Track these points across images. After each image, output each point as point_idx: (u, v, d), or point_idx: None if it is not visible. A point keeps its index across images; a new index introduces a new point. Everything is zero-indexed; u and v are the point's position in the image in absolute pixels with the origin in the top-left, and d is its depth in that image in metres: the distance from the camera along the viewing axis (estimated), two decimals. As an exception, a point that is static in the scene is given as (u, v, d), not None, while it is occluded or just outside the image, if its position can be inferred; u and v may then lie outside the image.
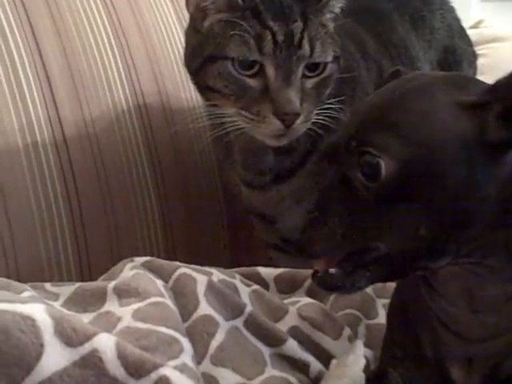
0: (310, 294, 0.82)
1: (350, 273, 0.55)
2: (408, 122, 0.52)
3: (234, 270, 0.83)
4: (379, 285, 0.74)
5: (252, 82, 0.78)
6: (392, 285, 0.69)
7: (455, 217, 0.52)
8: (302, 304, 0.77)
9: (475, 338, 0.59)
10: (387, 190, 0.52)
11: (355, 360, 0.61)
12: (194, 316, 0.67)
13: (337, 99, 0.83)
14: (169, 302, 0.66)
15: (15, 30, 0.89)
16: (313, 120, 0.82)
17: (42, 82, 0.90)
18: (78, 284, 0.69)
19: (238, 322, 0.69)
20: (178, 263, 0.74)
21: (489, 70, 1.28)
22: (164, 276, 0.72)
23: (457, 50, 1.19)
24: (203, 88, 0.83)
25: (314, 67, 0.81)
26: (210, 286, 0.70)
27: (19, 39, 0.89)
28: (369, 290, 0.82)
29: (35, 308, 0.50)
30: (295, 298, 0.80)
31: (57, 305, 0.66)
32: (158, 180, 1.04)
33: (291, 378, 0.66)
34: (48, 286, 0.71)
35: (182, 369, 0.56)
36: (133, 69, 1.04)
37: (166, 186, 1.05)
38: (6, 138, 0.84)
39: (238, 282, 0.77)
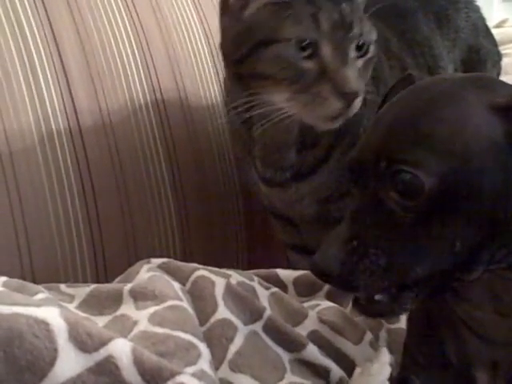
0: (329, 297, 0.81)
1: (396, 296, 0.52)
2: (442, 132, 0.50)
3: (253, 271, 0.81)
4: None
5: (308, 64, 0.77)
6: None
7: (491, 226, 0.50)
8: (321, 308, 0.76)
9: (501, 341, 0.58)
10: (426, 207, 0.49)
11: (380, 369, 0.59)
12: (212, 320, 0.66)
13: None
14: (186, 305, 0.64)
15: (33, 24, 0.88)
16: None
17: (60, 77, 0.89)
18: (93, 285, 0.68)
19: (257, 327, 0.67)
20: (195, 265, 0.73)
21: (513, 70, 1.26)
22: (181, 278, 0.70)
23: (481, 50, 1.17)
24: (248, 76, 0.81)
25: (360, 48, 0.80)
26: (229, 289, 0.69)
27: (37, 35, 0.88)
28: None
29: (49, 312, 0.49)
30: (315, 302, 0.78)
31: (72, 307, 0.65)
32: (176, 178, 1.03)
33: (311, 385, 0.65)
34: (63, 287, 0.70)
35: (200, 376, 0.55)
36: (151, 65, 1.03)
37: (183, 185, 1.03)
38: (23, 134, 0.83)
39: (256, 284, 0.76)
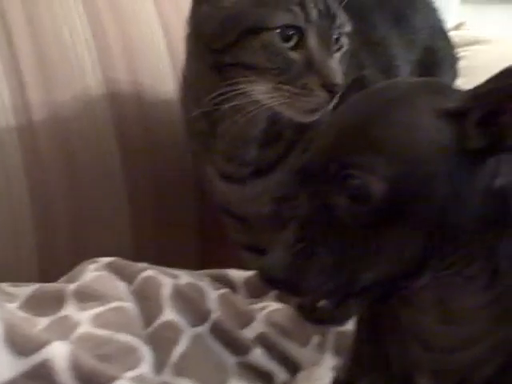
0: (279, 298, 0.80)
1: (339, 304, 0.52)
2: (392, 137, 0.50)
3: (203, 272, 0.81)
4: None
5: (293, 55, 0.76)
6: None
7: (442, 232, 0.50)
8: (270, 309, 0.75)
9: (445, 350, 0.58)
10: (376, 212, 0.49)
11: (323, 374, 0.59)
12: (158, 322, 0.65)
13: None
14: (131, 306, 0.64)
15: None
16: None
17: (10, 69, 0.87)
18: (36, 285, 0.67)
19: (204, 329, 0.67)
20: (144, 265, 0.72)
21: (470, 73, 1.27)
22: (128, 278, 0.69)
23: (438, 52, 1.18)
24: (231, 66, 0.79)
25: (337, 40, 0.80)
26: (176, 290, 0.68)
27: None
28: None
29: (-15, 313, 0.48)
30: (264, 303, 0.78)
31: (13, 307, 0.63)
32: (129, 174, 1.01)
33: (255, 389, 0.65)
34: (5, 286, 0.68)
35: (140, 380, 0.54)
36: (107, 56, 1.01)
37: (136, 181, 1.02)
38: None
39: (206, 285, 0.75)
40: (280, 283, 0.50)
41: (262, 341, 0.70)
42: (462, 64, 1.26)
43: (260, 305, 0.77)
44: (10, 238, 0.84)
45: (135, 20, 1.07)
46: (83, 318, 0.60)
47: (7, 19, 0.88)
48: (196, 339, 0.66)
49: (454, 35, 1.30)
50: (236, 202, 0.95)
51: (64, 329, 0.59)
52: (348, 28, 0.82)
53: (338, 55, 0.80)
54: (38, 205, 0.87)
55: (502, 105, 0.48)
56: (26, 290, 0.66)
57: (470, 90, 0.52)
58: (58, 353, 0.48)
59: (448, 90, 0.55)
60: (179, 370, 0.62)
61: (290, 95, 0.76)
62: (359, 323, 0.67)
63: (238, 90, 0.78)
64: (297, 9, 0.75)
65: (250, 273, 0.84)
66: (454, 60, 1.24)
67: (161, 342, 0.63)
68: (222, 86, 0.78)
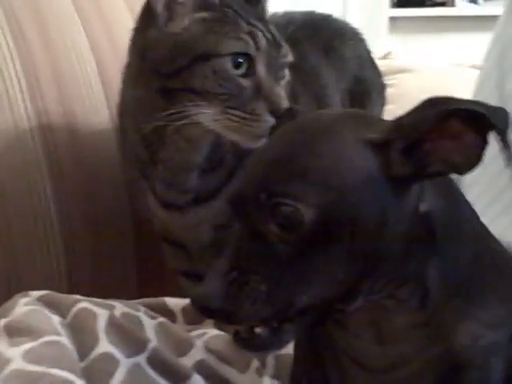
0: (218, 325, 0.80)
1: (276, 329, 0.52)
2: (319, 165, 0.51)
3: (139, 301, 0.79)
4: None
5: (243, 82, 0.78)
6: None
7: (371, 256, 0.52)
8: (209, 336, 0.75)
9: (380, 369, 0.59)
10: (306, 239, 0.50)
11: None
12: (93, 354, 0.64)
13: None
14: (65, 340, 0.62)
15: None
16: None
17: None
18: (-35, 321, 0.64)
19: (141, 359, 0.66)
20: (78, 297, 0.70)
21: (397, 100, 1.32)
22: (62, 311, 0.67)
23: (367, 81, 1.22)
24: (179, 90, 0.80)
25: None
26: (112, 322, 0.67)
27: None
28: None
29: None
30: (203, 330, 0.77)
31: None
32: (62, 206, 0.99)
33: (195, 418, 0.64)
34: None
35: (75, 414, 0.53)
36: (37, 87, 0.99)
37: (70, 213, 1.00)
38: None
39: (142, 314, 0.74)
40: (215, 312, 0.50)
41: (202, 368, 0.69)
42: (389, 91, 1.31)
43: (198, 332, 0.76)
44: None
45: (65, 49, 1.06)
46: (15, 354, 0.58)
47: None
48: (133, 370, 0.64)
49: (382, 64, 1.35)
50: (176, 230, 0.95)
51: (-5, 366, 0.57)
52: (291, 58, 0.84)
53: (283, 83, 0.82)
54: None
55: (423, 134, 0.51)
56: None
57: (393, 121, 0.54)
58: (-12, 391, 0.46)
59: (372, 120, 0.57)
60: (116, 403, 0.61)
61: (238, 120, 0.78)
62: (297, 346, 0.67)
63: (184, 113, 0.78)
64: (247, 37, 0.78)
65: (187, 300, 0.83)
66: (382, 88, 1.29)
67: (96, 374, 0.62)
68: (168, 109, 0.79)
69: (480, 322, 0.58)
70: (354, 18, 1.66)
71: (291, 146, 0.53)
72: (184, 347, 0.72)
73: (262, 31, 0.79)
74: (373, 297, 0.54)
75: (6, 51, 0.96)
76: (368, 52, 1.27)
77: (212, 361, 0.71)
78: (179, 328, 0.76)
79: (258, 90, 0.78)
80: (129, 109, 0.90)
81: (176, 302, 0.82)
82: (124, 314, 0.71)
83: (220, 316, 0.51)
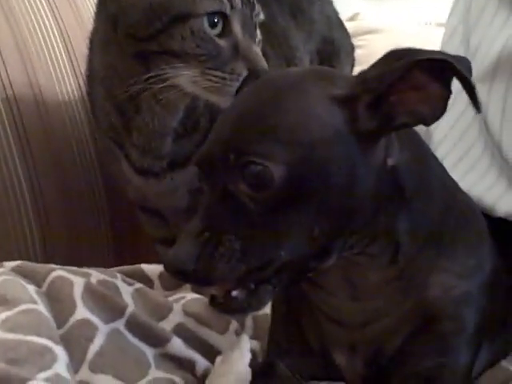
0: (195, 289, 0.80)
1: (253, 291, 0.52)
2: (287, 123, 0.51)
3: (116, 268, 0.79)
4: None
5: (220, 42, 0.77)
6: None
7: (342, 212, 0.52)
8: (186, 300, 0.75)
9: (356, 324, 0.61)
10: (277, 197, 0.50)
11: (240, 355, 0.60)
12: (71, 321, 0.63)
13: None
14: (41, 308, 0.61)
15: None
16: None
17: None
18: None
19: (119, 324, 0.66)
20: (52, 266, 0.70)
21: (366, 61, 1.31)
22: (37, 280, 0.67)
23: (335, 41, 1.22)
24: (157, 53, 0.78)
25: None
26: (88, 288, 0.67)
27: None
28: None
29: None
30: (180, 294, 0.78)
31: None
32: (32, 178, 0.97)
33: (176, 378, 0.64)
34: None
35: (55, 380, 0.53)
36: (0, 60, 0.97)
37: (41, 184, 0.98)
38: None
39: (119, 281, 0.74)
40: (190, 275, 0.50)
41: (181, 331, 0.70)
42: (358, 52, 1.31)
43: (176, 296, 0.77)
44: None
45: (28, 18, 1.04)
46: (-9, 324, 0.58)
47: None
48: (112, 335, 0.64)
49: (350, 25, 1.35)
50: (152, 197, 0.94)
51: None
52: (262, 17, 0.83)
53: (257, 41, 0.81)
54: None
55: (389, 87, 0.51)
56: None
57: (357, 76, 0.54)
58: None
59: (337, 76, 0.57)
60: (96, 367, 0.61)
61: (218, 80, 0.77)
62: (274, 306, 0.68)
63: (162, 76, 0.77)
64: None
65: (164, 266, 0.83)
66: (350, 48, 1.29)
67: (75, 340, 0.62)
68: (145, 74, 0.78)
69: (451, 273, 0.59)
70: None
71: (258, 104, 0.53)
72: (162, 311, 0.72)
73: None
74: (345, 253, 0.55)
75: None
76: (336, 13, 1.27)
77: (191, 324, 0.71)
78: (157, 293, 0.76)
79: (236, 50, 0.78)
80: (99, 76, 0.88)
81: (153, 268, 0.82)
82: (100, 281, 0.70)
83: (194, 278, 0.51)
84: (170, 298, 0.76)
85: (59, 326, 0.63)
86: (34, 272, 0.67)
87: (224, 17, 0.77)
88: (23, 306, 0.60)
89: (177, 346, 0.66)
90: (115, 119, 0.87)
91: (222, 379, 0.58)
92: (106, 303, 0.66)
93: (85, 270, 0.72)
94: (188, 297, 0.76)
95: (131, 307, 0.68)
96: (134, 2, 0.79)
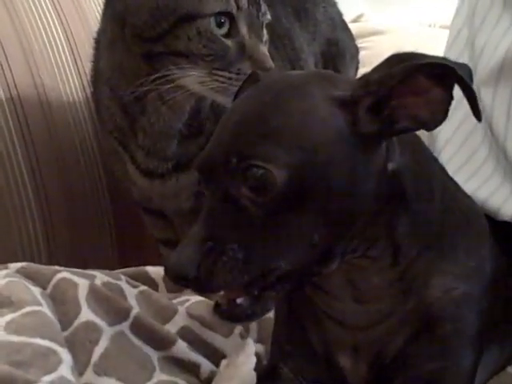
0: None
1: (257, 297, 0.52)
2: (289, 125, 0.51)
3: (120, 270, 0.79)
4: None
5: (227, 42, 0.77)
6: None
7: (343, 217, 0.52)
8: (191, 303, 0.75)
9: (359, 326, 0.60)
10: (279, 201, 0.50)
11: (245, 359, 0.60)
12: (75, 323, 0.63)
13: None
14: (46, 310, 0.61)
15: None
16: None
17: None
18: None
19: (124, 327, 0.66)
20: (57, 267, 0.70)
21: (370, 62, 1.31)
22: (42, 282, 0.67)
23: (339, 43, 1.22)
24: (164, 54, 0.78)
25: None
26: (93, 291, 0.67)
27: None
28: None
29: None
30: (185, 297, 0.77)
31: None
32: (37, 179, 0.97)
33: (181, 382, 0.64)
34: None
35: (60, 382, 0.53)
36: (4, 59, 0.97)
37: (45, 184, 0.98)
38: None
39: (123, 283, 0.74)
40: (191, 282, 0.50)
41: (186, 334, 0.70)
42: (362, 54, 1.31)
43: (181, 299, 0.76)
44: None
45: (31, 16, 1.04)
46: (-4, 326, 0.58)
47: None
48: (117, 338, 0.64)
49: (354, 27, 1.35)
50: (157, 198, 0.94)
51: (-24, 338, 0.56)
52: (269, 17, 0.84)
53: (264, 42, 0.82)
54: None
55: (390, 91, 0.51)
56: None
57: (359, 79, 0.54)
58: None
59: (338, 78, 0.57)
60: (100, 370, 0.61)
61: (224, 81, 0.77)
62: (277, 309, 0.68)
63: (169, 77, 0.77)
64: None
65: (168, 268, 0.83)
66: (355, 51, 1.28)
67: (80, 343, 0.62)
68: (151, 75, 0.78)
69: (451, 275, 0.59)
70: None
71: (260, 107, 0.52)
72: (167, 314, 0.72)
73: None
74: (347, 257, 0.55)
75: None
76: (340, 15, 1.27)
77: (195, 326, 0.71)
78: (161, 295, 0.76)
79: (242, 50, 0.78)
80: (105, 76, 0.88)
81: (157, 271, 0.82)
82: (105, 284, 0.70)
83: (195, 285, 0.50)
84: (175, 301, 0.76)
85: (64, 328, 0.63)
86: (39, 274, 0.68)
87: (230, 17, 0.77)
88: (28, 308, 0.60)
89: (181, 348, 0.67)
90: (120, 120, 0.87)
91: (227, 383, 0.58)
92: (110, 305, 0.66)
93: (89, 271, 0.72)
94: (192, 299, 0.76)
95: (136, 310, 0.68)
96: (141, 3, 0.79)
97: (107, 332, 0.64)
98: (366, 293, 0.58)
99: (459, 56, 0.86)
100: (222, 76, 0.77)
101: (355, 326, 0.60)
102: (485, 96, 0.77)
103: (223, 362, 0.62)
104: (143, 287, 0.75)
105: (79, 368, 0.60)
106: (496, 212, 0.73)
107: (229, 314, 0.53)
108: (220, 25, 0.77)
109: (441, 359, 0.59)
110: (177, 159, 0.88)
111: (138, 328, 0.66)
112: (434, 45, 1.01)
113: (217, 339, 0.71)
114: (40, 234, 0.96)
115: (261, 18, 0.80)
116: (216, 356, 0.69)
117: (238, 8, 0.77)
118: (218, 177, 0.52)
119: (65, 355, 0.57)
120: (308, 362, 0.65)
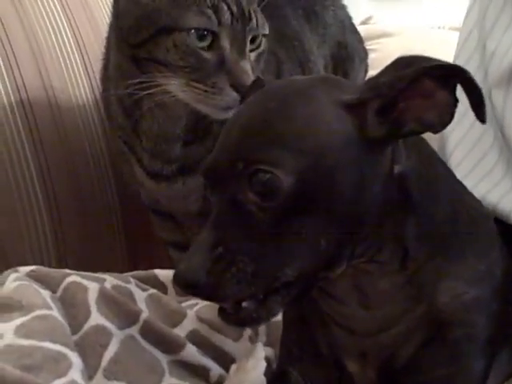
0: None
1: (262, 302, 0.52)
2: (295, 130, 0.51)
3: (130, 273, 0.79)
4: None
5: (207, 55, 0.77)
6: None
7: (350, 221, 0.52)
8: (200, 306, 0.75)
9: (368, 333, 0.60)
10: (286, 206, 0.49)
11: (255, 364, 0.59)
12: (85, 327, 0.63)
13: None
14: (56, 314, 0.61)
15: None
16: None
17: None
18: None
19: (133, 330, 0.66)
20: (67, 271, 0.70)
21: (379, 65, 1.31)
22: (52, 285, 0.67)
23: (348, 46, 1.21)
24: (146, 60, 0.80)
25: (253, 40, 0.82)
26: (103, 294, 0.66)
27: None
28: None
29: None
30: (194, 301, 0.77)
31: None
32: (46, 181, 0.98)
33: (190, 386, 0.64)
34: None
35: (70, 387, 0.52)
36: (14, 61, 0.97)
37: (54, 187, 0.99)
38: None
39: (133, 287, 0.73)
40: (200, 290, 0.49)
41: (195, 338, 0.69)
42: (371, 56, 1.30)
43: (190, 302, 0.76)
44: None
45: (41, 19, 1.04)
46: (6, 329, 0.57)
47: None
48: (126, 341, 0.64)
49: (363, 29, 1.34)
50: (164, 200, 0.95)
51: (-14, 342, 0.56)
52: (266, 30, 0.83)
53: (253, 55, 0.81)
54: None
55: (397, 94, 0.51)
56: None
57: (366, 81, 0.54)
58: (-18, 367, 0.46)
59: (344, 83, 0.57)
60: (110, 374, 0.61)
61: (201, 92, 0.77)
62: (285, 314, 0.68)
63: (154, 82, 0.78)
64: (209, 12, 0.76)
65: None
66: (364, 54, 1.28)
67: (90, 347, 0.62)
68: (140, 77, 0.79)
69: (460, 279, 0.59)
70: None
71: (266, 111, 0.52)
72: (176, 318, 0.71)
73: (227, 4, 0.77)
74: (355, 262, 0.54)
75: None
76: (349, 18, 1.27)
77: (205, 330, 0.71)
78: (170, 299, 0.76)
79: (222, 64, 0.78)
80: (110, 73, 0.89)
81: (167, 274, 0.81)
82: (115, 287, 0.70)
83: (203, 293, 0.50)
84: (184, 304, 0.76)
85: (74, 332, 0.62)
86: (49, 277, 0.67)
87: (213, 31, 0.77)
88: (38, 312, 0.60)
89: (191, 352, 0.66)
90: (124, 122, 0.88)
91: (237, 388, 0.58)
92: (120, 309, 0.66)
93: (99, 275, 0.72)
94: (201, 303, 0.75)
95: (145, 313, 0.67)
96: (129, 9, 0.80)
97: (117, 336, 0.64)
98: (373, 298, 0.58)
99: (470, 58, 0.85)
100: (197, 88, 0.78)
101: (363, 332, 0.60)
102: (496, 98, 0.77)
103: (233, 367, 0.62)
104: (152, 290, 0.75)
105: (89, 372, 0.60)
106: (508, 215, 0.73)
107: (234, 318, 0.53)
108: (202, 37, 0.77)
109: (451, 365, 0.58)
110: (182, 162, 0.88)
111: (148, 332, 0.66)
112: (444, 47, 1.00)
113: (226, 343, 0.71)
114: (50, 237, 0.96)
115: (249, 32, 0.80)
116: (225, 360, 0.69)
117: (220, 24, 0.77)
118: (224, 182, 0.51)
119: (75, 359, 0.57)
120: (317, 366, 0.65)
